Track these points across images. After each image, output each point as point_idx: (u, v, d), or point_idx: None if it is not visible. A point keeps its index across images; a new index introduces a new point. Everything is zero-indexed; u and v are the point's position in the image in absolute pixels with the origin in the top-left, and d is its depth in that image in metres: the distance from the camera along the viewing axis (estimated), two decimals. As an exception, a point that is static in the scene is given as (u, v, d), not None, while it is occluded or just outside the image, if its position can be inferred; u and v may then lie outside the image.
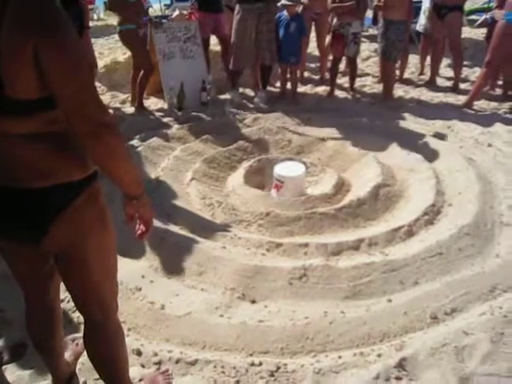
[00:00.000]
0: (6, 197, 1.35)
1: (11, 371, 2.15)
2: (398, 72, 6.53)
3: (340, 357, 2.20)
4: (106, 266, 1.56)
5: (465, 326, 2.30)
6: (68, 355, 2.14)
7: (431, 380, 2.04)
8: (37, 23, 1.15)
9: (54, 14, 1.18)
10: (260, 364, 2.15)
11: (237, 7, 5.49)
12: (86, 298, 1.61)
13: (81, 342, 2.23)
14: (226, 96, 5.91)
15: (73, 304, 2.47)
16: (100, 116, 1.26)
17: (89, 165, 1.40)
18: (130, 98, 5.85)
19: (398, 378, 2.06)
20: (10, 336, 2.34)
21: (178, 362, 2.17)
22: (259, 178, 3.97)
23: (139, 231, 1.55)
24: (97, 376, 2.01)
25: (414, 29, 6.84)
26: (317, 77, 7.01)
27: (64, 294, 2.35)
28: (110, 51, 8.03)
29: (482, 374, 2.06)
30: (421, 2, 6.54)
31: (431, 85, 6.44)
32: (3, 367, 2.17)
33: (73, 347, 2.23)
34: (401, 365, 2.10)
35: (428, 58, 6.70)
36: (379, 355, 2.19)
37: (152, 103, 5.85)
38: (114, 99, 5.98)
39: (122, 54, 6.97)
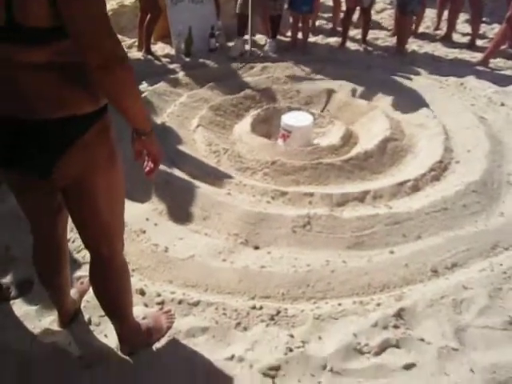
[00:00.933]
0: (17, 128, 1.34)
1: (18, 306, 2.20)
2: (412, 26, 6.33)
3: (340, 304, 2.24)
4: (113, 201, 1.57)
5: (464, 280, 2.34)
6: (73, 293, 2.18)
7: (428, 330, 2.08)
8: None
9: None
10: (261, 308, 2.20)
11: None
12: (94, 233, 1.62)
13: (86, 280, 2.28)
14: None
15: (77, 244, 2.53)
16: (113, 48, 1.24)
17: (100, 98, 1.38)
18: (136, 43, 5.72)
19: (396, 327, 2.10)
20: (17, 272, 2.38)
21: (180, 302, 2.21)
22: (266, 127, 3.93)
23: (147, 168, 1.55)
24: (101, 313, 2.07)
25: (433, -20, 6.59)
26: (329, 27, 6.81)
27: (69, 234, 2.38)
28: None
29: (477, 326, 2.10)
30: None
31: (447, 40, 6.24)
32: (11, 302, 2.22)
33: (78, 285, 2.27)
34: (399, 314, 2.15)
35: (445, 13, 6.48)
36: (378, 304, 2.23)
37: (159, 48, 5.71)
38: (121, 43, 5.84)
39: (129, -3, 6.75)
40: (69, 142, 1.36)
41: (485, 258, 2.52)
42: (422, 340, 2.04)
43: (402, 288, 2.35)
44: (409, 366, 1.93)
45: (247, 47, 5.56)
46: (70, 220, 1.73)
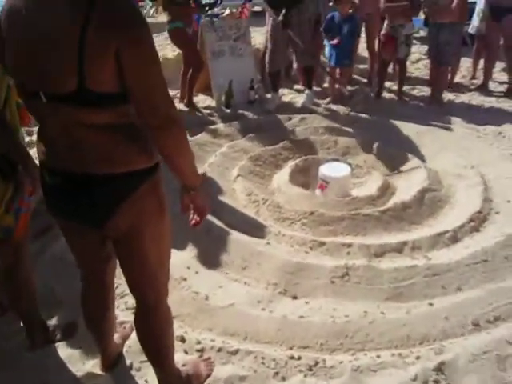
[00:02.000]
0: (76, 183, 1.47)
1: (62, 349, 2.29)
2: (448, 76, 6.41)
3: (379, 356, 2.23)
4: (161, 251, 1.67)
5: (508, 335, 2.28)
6: (116, 337, 2.25)
7: (470, 386, 2.04)
8: (121, 26, 1.26)
9: (133, 12, 1.30)
10: (299, 358, 2.21)
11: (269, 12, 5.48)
12: (141, 282, 1.71)
13: (128, 325, 2.36)
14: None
15: (121, 290, 2.63)
16: (168, 110, 1.37)
17: (154, 155, 1.51)
18: (179, 95, 5.98)
19: (437, 382, 2.07)
20: (62, 315, 2.49)
21: (219, 350, 2.25)
22: (304, 177, 4.01)
23: (193, 221, 1.64)
24: (142, 358, 2.14)
25: (467, 31, 6.68)
26: (365, 79, 6.96)
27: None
28: (159, 48, 8.19)
29: (523, 383, 2.04)
30: (475, 2, 6.39)
31: (483, 89, 6.26)
32: (55, 344, 2.31)
33: (121, 330, 2.35)
34: (440, 368, 2.11)
35: (481, 62, 6.54)
36: (418, 357, 2.20)
37: (200, 100, 5.96)
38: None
39: (172, 51, 7.10)
40: (123, 198, 1.47)
41: (529, 312, 2.47)
42: (465, 396, 2.00)
43: (442, 341, 2.31)
44: (451, 423, 1.90)
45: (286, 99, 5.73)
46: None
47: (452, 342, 2.30)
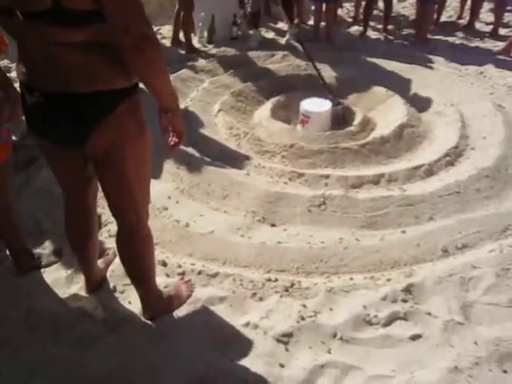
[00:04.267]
0: (55, 101, 1.48)
1: (48, 274, 2.37)
2: (434, 14, 6.32)
3: (351, 279, 2.34)
4: (141, 171, 1.70)
5: (473, 260, 2.41)
6: (100, 262, 2.33)
7: (435, 304, 2.17)
8: None
9: None
10: (276, 280, 2.32)
11: None
12: (122, 201, 1.75)
13: (111, 251, 2.43)
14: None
15: (104, 219, 2.68)
16: (143, 29, 1.35)
17: (132, 75, 1.51)
18: (160, 30, 5.83)
19: (404, 301, 2.20)
20: (47, 243, 2.56)
21: (200, 273, 2.35)
22: (286, 112, 4.02)
23: (172, 142, 1.67)
24: (125, 282, 2.23)
25: (456, -31, 6.55)
26: (350, 16, 6.84)
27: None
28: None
29: (483, 302, 2.18)
30: None
31: (469, 29, 6.23)
32: (41, 270, 2.39)
33: (104, 256, 2.42)
34: (408, 289, 2.25)
35: (469, 2, 6.45)
36: (388, 280, 2.33)
37: (181, 36, 5.82)
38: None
39: (155, -14, 6.87)
40: (102, 115, 1.49)
41: (495, 240, 2.58)
42: (429, 314, 2.12)
43: (412, 266, 2.43)
44: (415, 337, 2.03)
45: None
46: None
47: (421, 267, 2.42)
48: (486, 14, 6.72)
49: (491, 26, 6.14)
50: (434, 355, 1.95)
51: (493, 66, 4.88)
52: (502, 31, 6.06)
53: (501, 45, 5.50)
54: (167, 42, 5.56)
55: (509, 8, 6.50)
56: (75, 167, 1.74)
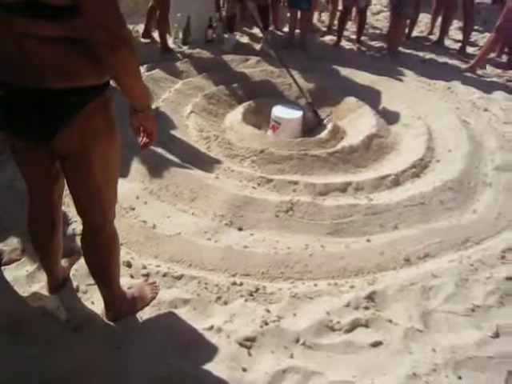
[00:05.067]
0: (25, 96, 1.44)
1: (9, 272, 2.30)
2: (406, 29, 6.48)
3: (316, 285, 2.37)
4: (108, 171, 1.68)
5: (434, 269, 2.48)
6: (63, 261, 2.28)
7: (396, 312, 2.22)
8: None
9: None
10: (241, 284, 2.32)
11: None
12: (88, 201, 1.73)
13: (75, 250, 2.38)
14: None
15: (69, 216, 2.63)
16: (118, 28, 1.34)
17: (104, 73, 1.49)
18: (134, 29, 5.78)
19: (367, 308, 2.23)
20: (8, 241, 2.48)
21: (165, 275, 2.33)
22: (257, 117, 4.04)
23: (143, 142, 1.66)
24: (89, 282, 2.19)
25: (429, -14, 6.72)
26: (325, 25, 6.93)
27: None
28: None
29: (442, 311, 2.24)
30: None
31: (439, 45, 6.40)
32: (1, 268, 2.31)
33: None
34: (370, 297, 2.28)
35: (439, 19, 6.63)
36: (352, 287, 2.36)
37: (157, 36, 5.79)
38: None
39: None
40: (72, 111, 1.47)
41: (455, 251, 2.65)
42: (390, 321, 2.17)
43: (376, 274, 2.47)
44: (376, 344, 2.06)
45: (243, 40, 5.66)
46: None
47: (384, 275, 2.47)
48: (455, 32, 6.93)
49: (459, 44, 6.32)
50: (393, 362, 1.99)
51: (460, 83, 5.03)
52: (470, 49, 6.25)
53: (468, 62, 5.68)
54: (142, 40, 5.52)
55: (477, 27, 6.73)
56: (42, 164, 1.70)
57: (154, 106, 3.88)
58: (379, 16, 7.61)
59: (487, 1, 7.00)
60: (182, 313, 2.15)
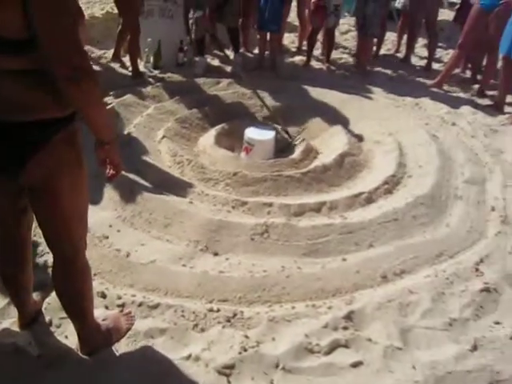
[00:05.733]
0: None
1: (-23, 309, 2.23)
2: (374, 48, 6.63)
3: (293, 307, 2.35)
4: (77, 203, 1.65)
5: (411, 285, 2.50)
6: (35, 295, 2.23)
7: (375, 330, 2.22)
8: None
9: None
10: (218, 310, 2.29)
11: None
12: (58, 234, 1.70)
13: (47, 283, 2.32)
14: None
15: (41, 249, 2.58)
16: (78, 60, 1.34)
17: (67, 105, 1.48)
18: (106, 54, 5.78)
19: (345, 328, 2.23)
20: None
21: (140, 305, 2.29)
22: (230, 140, 4.05)
23: (109, 174, 1.65)
24: (62, 315, 2.13)
25: (394, 6, 6.89)
26: (294, 46, 7.03)
27: (32, 238, 2.43)
28: (87, 5, 7.83)
29: (420, 326, 2.25)
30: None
31: (405, 63, 6.55)
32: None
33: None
34: (349, 317, 2.28)
35: (405, 37, 6.80)
36: (330, 307, 2.35)
37: (127, 60, 5.78)
38: (90, 54, 5.89)
39: (100, 10, 6.83)
40: (39, 144, 1.45)
41: (430, 266, 2.68)
42: (370, 340, 2.16)
43: (353, 293, 2.47)
44: (356, 364, 2.05)
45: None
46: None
47: (361, 293, 2.47)
48: (421, 49, 7.10)
49: (425, 61, 6.48)
50: (374, 382, 1.99)
51: (427, 98, 5.14)
52: (435, 65, 6.42)
53: (434, 78, 5.81)
54: (114, 66, 5.51)
55: (441, 45, 6.92)
56: (9, 197, 1.67)
57: (126, 132, 3.86)
58: (347, 35, 7.76)
59: (449, 18, 7.20)
60: (159, 343, 2.11)
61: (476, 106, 5.08)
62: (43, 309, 2.22)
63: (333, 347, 2.13)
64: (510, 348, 2.13)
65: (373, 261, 2.67)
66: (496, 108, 4.96)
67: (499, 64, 5.26)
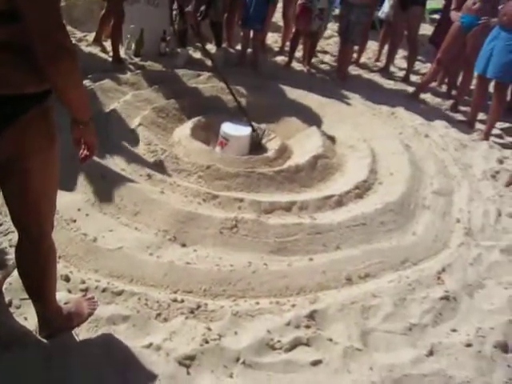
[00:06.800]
0: None
1: None
2: (355, 55, 6.71)
3: (258, 303, 2.37)
4: (46, 181, 1.62)
5: (374, 289, 2.54)
6: (-4, 274, 2.18)
7: (336, 331, 2.25)
8: None
9: None
10: (182, 301, 2.29)
11: None
12: (24, 212, 1.66)
13: (10, 263, 2.28)
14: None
15: (5, 227, 2.54)
16: (60, 38, 1.32)
17: (44, 81, 1.44)
18: (87, 37, 5.68)
19: (308, 327, 2.25)
20: None
21: (104, 290, 2.27)
22: (206, 133, 4.04)
23: (83, 155, 1.62)
24: (23, 296, 2.09)
25: (378, 15, 6.98)
26: (277, 46, 7.06)
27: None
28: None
29: (380, 330, 2.29)
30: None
31: (385, 72, 6.64)
32: None
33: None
34: (311, 316, 2.31)
35: (386, 47, 6.91)
36: (293, 305, 2.38)
37: (108, 45, 5.70)
38: (71, 36, 5.78)
39: (82, -10, 6.69)
40: (11, 119, 1.41)
41: (395, 271, 2.73)
42: (331, 340, 2.19)
43: (317, 292, 2.50)
44: (316, 363, 2.08)
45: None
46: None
47: (326, 294, 2.50)
48: (400, 61, 7.22)
49: (404, 72, 6.59)
50: (332, 381, 2.01)
51: (403, 109, 5.22)
52: (413, 77, 6.54)
53: (411, 89, 5.95)
54: (94, 49, 5.43)
55: (420, 58, 7.05)
56: None
57: (101, 116, 3.80)
58: (330, 41, 7.82)
59: (430, 34, 7.33)
60: (121, 330, 2.09)
61: (449, 120, 5.19)
62: (3, 289, 2.17)
63: (294, 345, 2.15)
64: (464, 354, 2.19)
65: (339, 262, 2.70)
66: (468, 124, 5.09)
67: (474, 81, 5.40)
